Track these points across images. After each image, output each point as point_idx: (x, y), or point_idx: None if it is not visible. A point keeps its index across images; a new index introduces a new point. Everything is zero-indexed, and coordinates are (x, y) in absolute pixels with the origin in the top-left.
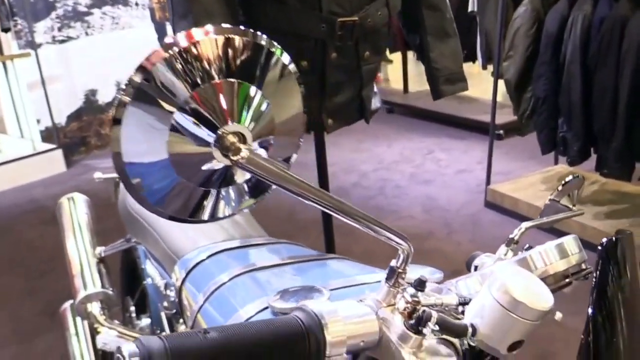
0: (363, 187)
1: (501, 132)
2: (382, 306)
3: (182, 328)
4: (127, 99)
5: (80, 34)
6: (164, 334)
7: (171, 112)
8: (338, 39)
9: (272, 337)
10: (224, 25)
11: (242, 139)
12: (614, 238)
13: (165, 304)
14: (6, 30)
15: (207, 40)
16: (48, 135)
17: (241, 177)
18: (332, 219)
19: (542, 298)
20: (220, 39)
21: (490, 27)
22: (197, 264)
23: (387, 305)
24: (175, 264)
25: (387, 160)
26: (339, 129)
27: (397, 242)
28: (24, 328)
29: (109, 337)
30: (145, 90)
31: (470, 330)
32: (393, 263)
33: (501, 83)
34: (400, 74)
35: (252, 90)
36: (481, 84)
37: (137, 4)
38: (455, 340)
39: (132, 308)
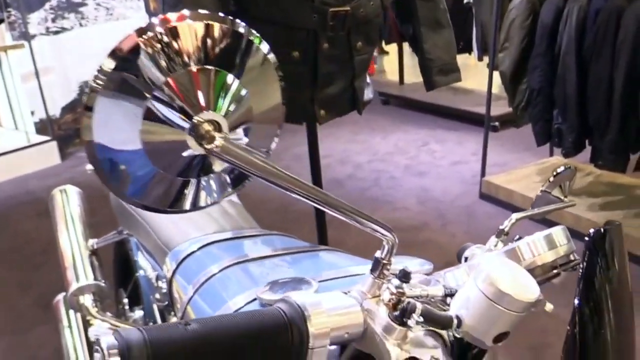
0: (358, 179)
1: (496, 123)
2: (367, 297)
3: (173, 320)
4: (98, 85)
5: (74, 25)
6: (145, 326)
7: (144, 100)
8: (330, 29)
9: (255, 329)
10: (201, 10)
11: (218, 127)
12: (602, 229)
13: (157, 295)
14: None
15: (184, 26)
16: (42, 127)
17: (219, 166)
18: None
19: (528, 289)
20: (198, 25)
21: (486, 18)
22: (188, 255)
23: (372, 296)
24: (167, 256)
25: (382, 151)
26: (332, 120)
27: (381, 234)
28: (19, 320)
29: (101, 329)
30: (117, 77)
31: (455, 321)
32: (378, 254)
33: (496, 75)
34: (396, 65)
35: (230, 78)
36: (477, 75)
37: None
38: (443, 332)
39: (125, 300)
